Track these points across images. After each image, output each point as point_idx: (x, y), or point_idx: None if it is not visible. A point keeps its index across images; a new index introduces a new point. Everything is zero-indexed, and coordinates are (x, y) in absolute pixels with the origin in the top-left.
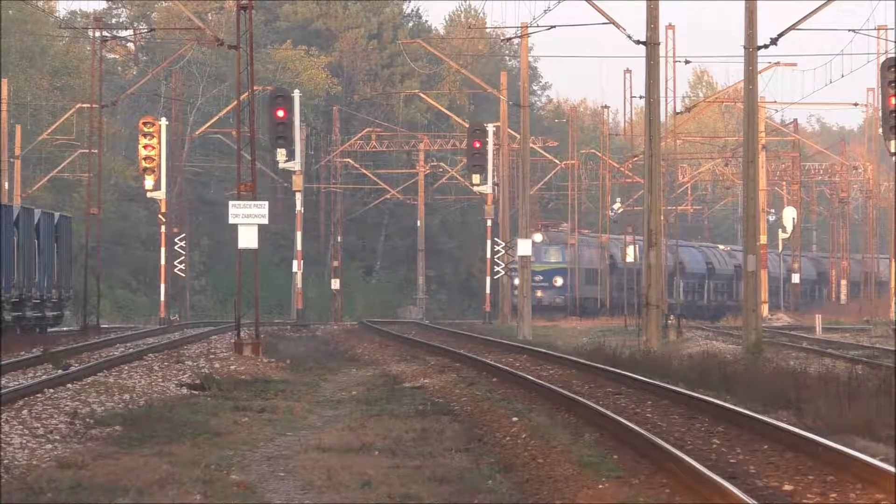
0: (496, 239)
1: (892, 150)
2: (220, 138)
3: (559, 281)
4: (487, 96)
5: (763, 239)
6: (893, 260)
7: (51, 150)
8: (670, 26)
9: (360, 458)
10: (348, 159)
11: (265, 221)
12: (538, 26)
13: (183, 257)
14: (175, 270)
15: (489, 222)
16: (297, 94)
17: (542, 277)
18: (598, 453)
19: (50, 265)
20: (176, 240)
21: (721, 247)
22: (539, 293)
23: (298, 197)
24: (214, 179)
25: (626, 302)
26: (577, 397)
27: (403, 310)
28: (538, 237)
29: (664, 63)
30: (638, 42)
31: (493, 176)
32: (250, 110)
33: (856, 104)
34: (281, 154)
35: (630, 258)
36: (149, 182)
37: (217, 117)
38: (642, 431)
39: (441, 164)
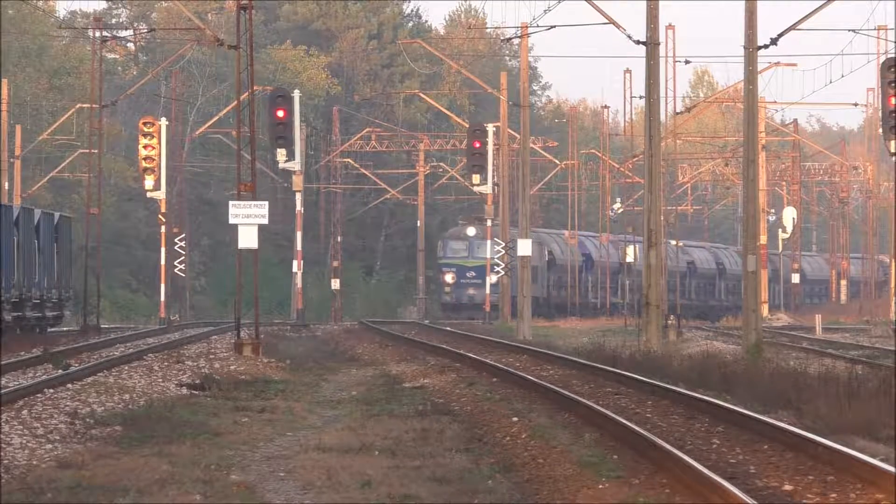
0: (496, 239)
1: (892, 150)
2: (220, 138)
3: (493, 278)
4: (487, 96)
5: (763, 239)
6: (893, 260)
7: (51, 150)
8: (670, 26)
9: (360, 459)
10: (348, 159)
11: (265, 221)
12: (538, 26)
13: (183, 257)
14: (175, 270)
15: (489, 222)
16: (297, 94)
17: (474, 273)
18: (598, 453)
19: (50, 265)
20: (176, 240)
21: (673, 242)
22: (471, 290)
23: (298, 197)
24: (214, 179)
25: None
26: (577, 397)
27: (403, 310)
28: (471, 231)
29: (664, 63)
30: (638, 42)
31: (493, 176)
32: (250, 110)
33: (856, 104)
34: (281, 154)
35: (629, 258)
36: (149, 182)
37: (217, 117)
38: (642, 431)
39: (441, 164)
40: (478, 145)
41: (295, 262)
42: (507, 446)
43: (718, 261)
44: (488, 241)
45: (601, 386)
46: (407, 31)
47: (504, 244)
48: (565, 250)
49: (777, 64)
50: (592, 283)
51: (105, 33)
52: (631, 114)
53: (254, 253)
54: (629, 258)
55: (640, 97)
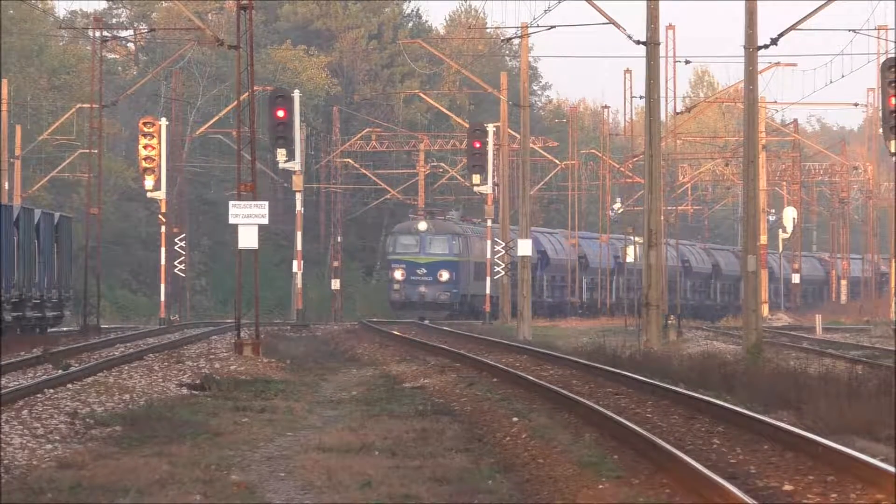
0: (496, 239)
1: (892, 150)
2: (220, 138)
3: (445, 275)
4: (487, 96)
5: (763, 239)
6: (893, 260)
7: (51, 150)
8: (670, 26)
9: (360, 459)
10: (348, 159)
11: (265, 221)
12: (538, 26)
13: (183, 257)
14: (175, 270)
15: (489, 222)
16: (297, 94)
17: (425, 271)
18: (598, 453)
19: (50, 265)
20: (176, 240)
21: (637, 239)
22: (422, 288)
23: (298, 197)
24: (214, 179)
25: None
26: (577, 397)
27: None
28: (423, 225)
29: (664, 63)
30: (638, 42)
31: (493, 176)
32: (250, 110)
33: (856, 104)
34: (281, 154)
35: (630, 258)
36: (149, 182)
37: (217, 117)
38: (642, 431)
39: (441, 164)
40: (478, 145)
41: (295, 262)
42: (507, 446)
43: (684, 258)
44: (441, 237)
45: (601, 386)
46: (407, 31)
47: (504, 244)
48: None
49: (777, 64)
50: (548, 282)
51: (105, 33)
52: (631, 114)
53: (254, 253)
54: (582, 255)
55: (640, 97)
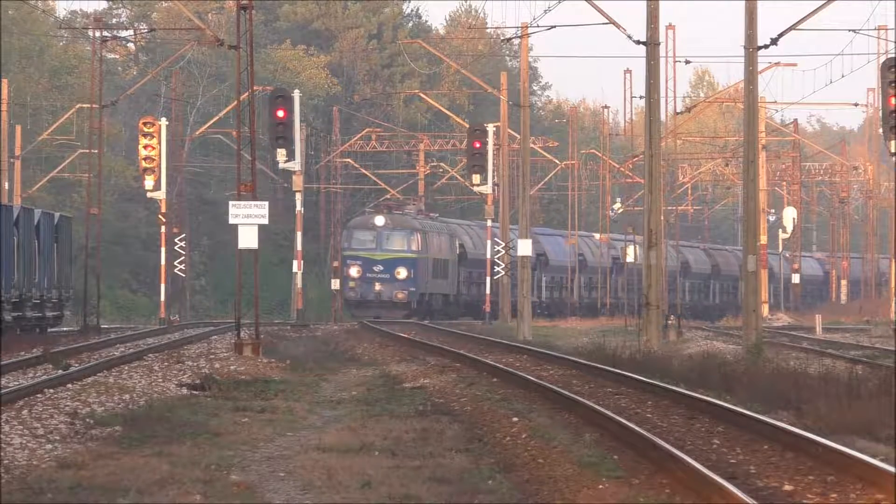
0: (496, 239)
1: (893, 150)
2: (220, 138)
3: (402, 273)
4: (487, 96)
5: (763, 239)
6: (893, 260)
7: (51, 150)
8: (670, 26)
9: (360, 459)
10: (348, 159)
11: (265, 221)
12: (538, 26)
13: (183, 257)
14: (175, 270)
15: (489, 222)
16: (297, 94)
17: (382, 268)
18: (598, 453)
19: (50, 265)
20: (176, 240)
21: (597, 236)
22: (378, 286)
23: (298, 197)
24: (214, 179)
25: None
26: (577, 397)
27: None
28: (380, 220)
29: (664, 63)
30: (638, 42)
31: (493, 176)
32: (250, 110)
33: (856, 104)
34: (281, 154)
35: (630, 258)
36: (149, 182)
37: (217, 117)
38: (642, 431)
39: (441, 165)
40: (478, 145)
41: (295, 262)
42: (507, 446)
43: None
44: (399, 233)
45: (601, 386)
46: (407, 31)
47: (504, 244)
48: (478, 244)
49: (777, 64)
50: None
51: (105, 33)
52: (631, 114)
53: (254, 253)
54: (542, 253)
55: (640, 97)
